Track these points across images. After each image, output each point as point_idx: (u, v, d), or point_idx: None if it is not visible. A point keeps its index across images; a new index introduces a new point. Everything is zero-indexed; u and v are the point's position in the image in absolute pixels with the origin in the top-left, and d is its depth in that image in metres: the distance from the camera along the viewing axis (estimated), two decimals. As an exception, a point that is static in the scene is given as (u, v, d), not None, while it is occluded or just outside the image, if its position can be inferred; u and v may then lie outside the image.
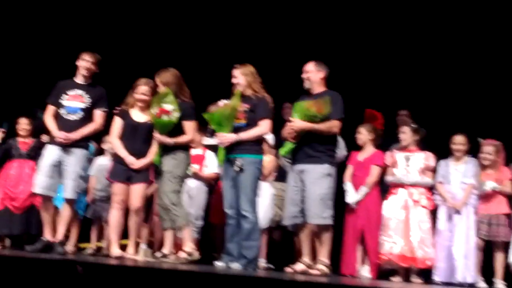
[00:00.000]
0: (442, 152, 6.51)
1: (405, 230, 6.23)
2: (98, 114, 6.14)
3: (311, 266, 5.62)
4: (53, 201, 6.15)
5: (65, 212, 6.08)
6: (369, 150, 6.52)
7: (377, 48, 8.29)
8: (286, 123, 5.84)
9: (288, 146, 5.72)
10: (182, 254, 5.78)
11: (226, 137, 5.72)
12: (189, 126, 5.99)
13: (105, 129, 6.37)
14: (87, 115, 6.08)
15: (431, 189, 6.42)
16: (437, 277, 6.21)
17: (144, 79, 6.18)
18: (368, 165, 6.43)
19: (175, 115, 5.84)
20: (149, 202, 6.46)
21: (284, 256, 6.89)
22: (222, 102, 5.89)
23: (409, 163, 6.41)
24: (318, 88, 5.82)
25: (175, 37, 8.91)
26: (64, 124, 6.02)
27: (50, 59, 8.26)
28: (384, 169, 6.47)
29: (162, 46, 8.74)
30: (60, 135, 5.94)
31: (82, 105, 6.08)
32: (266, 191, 6.46)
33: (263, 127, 5.77)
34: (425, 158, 6.41)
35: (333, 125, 5.67)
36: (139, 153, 6.06)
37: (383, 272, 6.35)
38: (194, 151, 6.82)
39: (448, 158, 6.46)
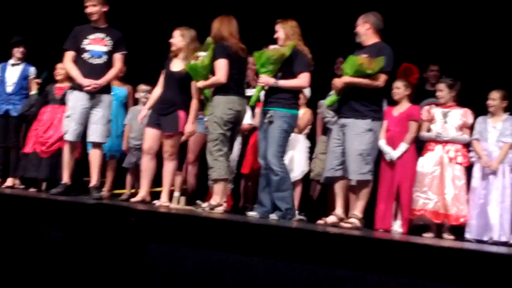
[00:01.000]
0: (483, 108, 6.38)
1: (440, 186, 6.19)
2: (118, 58, 6.09)
3: (343, 219, 5.62)
4: (77, 146, 6.22)
5: (96, 156, 6.09)
6: (405, 105, 6.43)
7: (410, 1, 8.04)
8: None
9: (332, 98, 5.66)
10: (204, 205, 5.77)
11: (265, 78, 5.70)
12: (217, 65, 5.75)
13: (137, 77, 6.32)
14: (110, 58, 6.04)
15: (467, 145, 6.35)
16: (469, 234, 6.18)
17: (180, 27, 6.13)
18: (404, 120, 6.35)
19: (204, 59, 5.77)
20: (182, 150, 6.51)
21: (318, 208, 6.94)
22: (273, 46, 5.81)
23: (447, 119, 6.33)
24: (368, 40, 5.67)
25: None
26: (90, 69, 5.96)
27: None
28: (420, 124, 6.40)
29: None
30: (87, 82, 5.89)
31: (105, 49, 6.02)
32: (301, 143, 6.45)
33: (302, 80, 5.75)
34: (462, 114, 6.32)
35: (379, 79, 5.55)
36: (169, 102, 6.04)
37: (415, 227, 6.34)
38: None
39: (487, 115, 6.37)
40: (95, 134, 6.04)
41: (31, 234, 4.87)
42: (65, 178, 6.10)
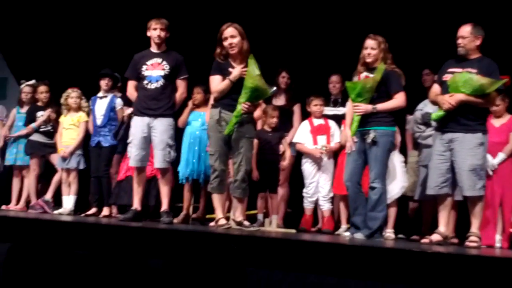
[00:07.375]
0: None
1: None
2: (179, 83, 6.15)
3: (447, 237, 5.47)
4: (145, 171, 6.24)
5: (162, 183, 6.13)
6: (506, 116, 6.32)
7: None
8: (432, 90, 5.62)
9: (440, 113, 5.46)
10: None
11: (363, 107, 5.63)
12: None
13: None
14: (168, 82, 6.07)
15: None
16: None
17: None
18: (505, 131, 6.25)
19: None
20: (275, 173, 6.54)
21: (410, 226, 6.77)
22: (364, 74, 5.74)
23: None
24: (473, 54, 5.48)
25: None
26: (147, 94, 6.04)
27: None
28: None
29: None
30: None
31: (162, 73, 6.06)
32: (396, 159, 6.34)
33: (400, 100, 5.66)
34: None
35: (493, 100, 5.53)
36: None
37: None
38: (317, 121, 6.79)
39: None
40: (155, 160, 6.12)
41: (129, 263, 4.93)
42: (135, 203, 6.14)
